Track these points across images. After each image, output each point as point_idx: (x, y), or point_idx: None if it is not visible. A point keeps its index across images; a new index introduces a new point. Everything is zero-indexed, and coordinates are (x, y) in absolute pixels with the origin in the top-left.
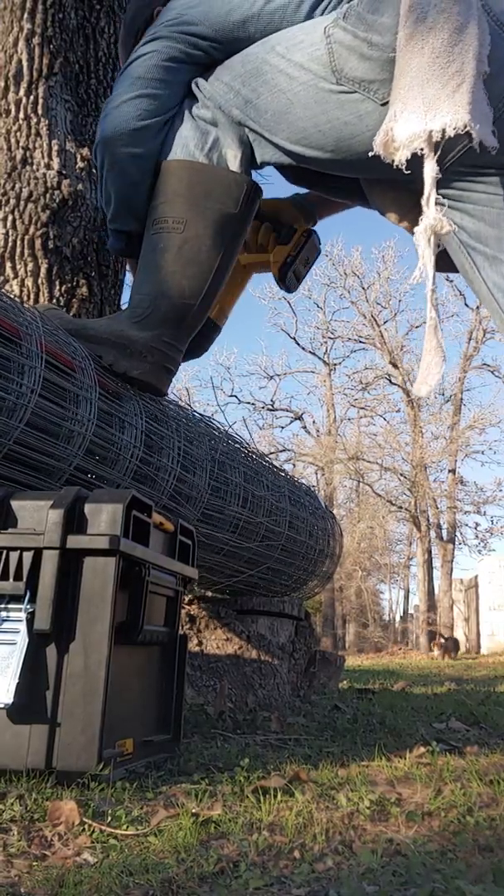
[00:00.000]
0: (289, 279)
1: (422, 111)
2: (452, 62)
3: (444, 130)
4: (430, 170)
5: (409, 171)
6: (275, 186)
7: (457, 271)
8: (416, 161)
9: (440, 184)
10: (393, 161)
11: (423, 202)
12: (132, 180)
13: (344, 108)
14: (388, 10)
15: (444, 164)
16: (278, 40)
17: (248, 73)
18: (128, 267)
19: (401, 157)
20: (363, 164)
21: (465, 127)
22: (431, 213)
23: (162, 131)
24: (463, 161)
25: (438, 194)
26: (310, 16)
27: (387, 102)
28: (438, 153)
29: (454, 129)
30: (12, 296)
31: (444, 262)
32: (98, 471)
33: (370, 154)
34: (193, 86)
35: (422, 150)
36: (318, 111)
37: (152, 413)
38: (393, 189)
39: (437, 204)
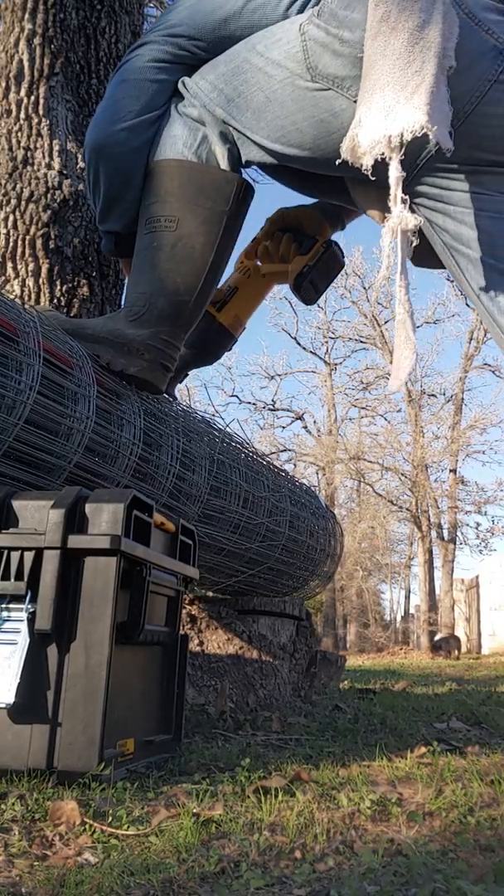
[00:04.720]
0: (304, 289)
1: (382, 115)
2: (413, 62)
3: (402, 134)
4: (395, 170)
5: (374, 178)
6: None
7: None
8: (384, 164)
9: (419, 182)
10: (361, 166)
11: (390, 201)
12: (119, 179)
13: (319, 106)
14: (358, 7)
15: (419, 162)
16: (259, 39)
17: (230, 71)
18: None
19: (367, 163)
20: (343, 162)
21: (423, 129)
22: (396, 212)
23: (149, 130)
24: (440, 157)
25: (419, 193)
26: (288, 13)
27: None
28: (403, 154)
29: (411, 132)
30: (13, 296)
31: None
32: (98, 468)
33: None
34: (180, 85)
35: (383, 154)
36: (295, 108)
37: (151, 411)
38: (376, 187)
39: (402, 202)
